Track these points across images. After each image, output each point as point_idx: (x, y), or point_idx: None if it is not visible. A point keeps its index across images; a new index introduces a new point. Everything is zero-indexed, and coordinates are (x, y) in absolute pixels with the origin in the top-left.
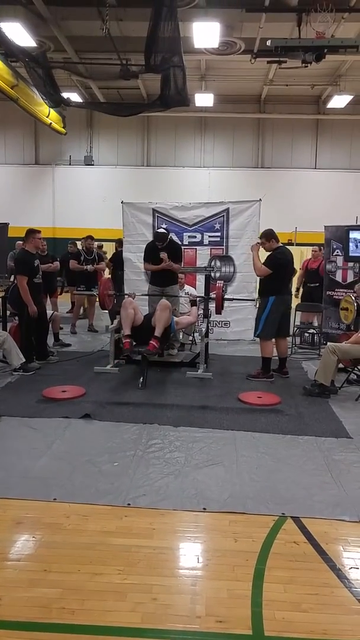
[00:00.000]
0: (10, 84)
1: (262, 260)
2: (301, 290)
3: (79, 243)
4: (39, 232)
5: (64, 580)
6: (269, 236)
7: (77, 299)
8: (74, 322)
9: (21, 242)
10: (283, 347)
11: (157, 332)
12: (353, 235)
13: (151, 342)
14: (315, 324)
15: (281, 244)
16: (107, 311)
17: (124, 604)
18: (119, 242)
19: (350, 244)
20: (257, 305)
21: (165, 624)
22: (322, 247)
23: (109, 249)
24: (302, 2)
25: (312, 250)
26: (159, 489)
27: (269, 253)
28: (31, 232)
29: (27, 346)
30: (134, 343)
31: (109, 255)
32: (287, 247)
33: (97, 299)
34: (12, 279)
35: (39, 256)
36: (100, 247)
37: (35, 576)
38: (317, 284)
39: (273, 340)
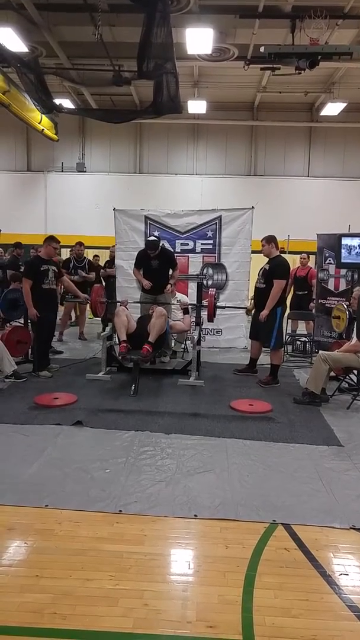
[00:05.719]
0: (2, 89)
1: (264, 265)
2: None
3: (68, 250)
4: (56, 241)
5: (56, 586)
6: (271, 240)
7: (66, 307)
8: (62, 330)
9: (13, 250)
10: (258, 349)
11: (151, 338)
12: (345, 241)
13: (145, 346)
14: (305, 331)
15: (279, 252)
16: (100, 319)
17: (116, 610)
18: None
19: (343, 250)
20: (251, 315)
21: (157, 629)
22: (309, 255)
23: (103, 257)
24: (296, 8)
25: (300, 258)
26: (150, 495)
27: (268, 259)
28: (48, 239)
29: (41, 355)
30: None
31: (101, 262)
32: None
33: (88, 306)
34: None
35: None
36: (96, 257)
37: (27, 582)
38: (306, 292)
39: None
